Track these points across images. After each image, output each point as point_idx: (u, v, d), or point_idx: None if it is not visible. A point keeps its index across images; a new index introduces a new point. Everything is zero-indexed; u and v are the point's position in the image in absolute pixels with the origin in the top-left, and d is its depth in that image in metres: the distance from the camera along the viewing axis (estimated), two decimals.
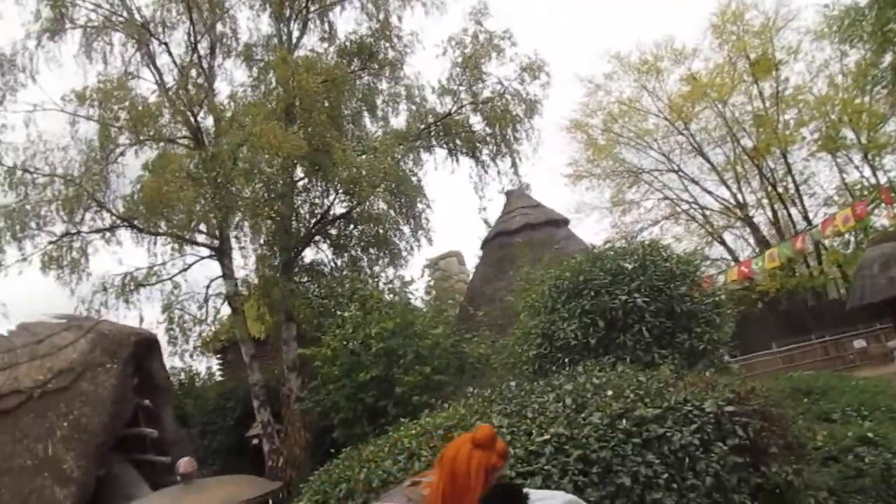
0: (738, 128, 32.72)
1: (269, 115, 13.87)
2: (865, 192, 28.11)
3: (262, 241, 15.55)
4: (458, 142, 17.09)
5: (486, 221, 17.91)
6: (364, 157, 14.33)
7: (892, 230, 20.51)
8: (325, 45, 17.37)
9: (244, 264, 15.86)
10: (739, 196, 33.85)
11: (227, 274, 15.34)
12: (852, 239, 29.06)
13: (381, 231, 16.57)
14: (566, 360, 6.75)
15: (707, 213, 34.78)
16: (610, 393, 4.07)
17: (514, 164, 17.23)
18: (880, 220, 28.84)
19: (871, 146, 28.14)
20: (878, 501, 5.26)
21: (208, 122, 15.98)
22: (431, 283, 18.19)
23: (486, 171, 16.77)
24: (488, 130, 17.00)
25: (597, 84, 34.65)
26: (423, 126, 16.76)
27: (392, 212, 16.67)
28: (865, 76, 19.53)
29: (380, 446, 4.39)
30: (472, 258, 22.12)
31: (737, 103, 32.92)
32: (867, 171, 30.28)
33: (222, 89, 17.83)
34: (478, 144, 16.95)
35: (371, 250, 17.23)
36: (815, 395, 8.12)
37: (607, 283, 6.97)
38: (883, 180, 28.95)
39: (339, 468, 4.50)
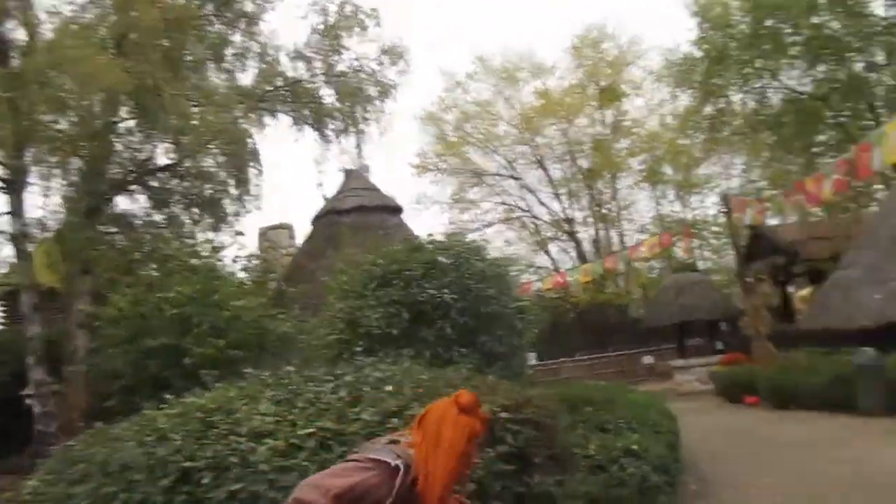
0: (577, 148, 34.72)
1: (95, 43, 12.45)
2: (673, 225, 31.07)
3: (68, 182, 13.96)
4: (305, 111, 16.42)
5: (324, 197, 17.54)
6: (199, 108, 13.29)
7: (689, 262, 22.80)
8: None
9: (44, 203, 14.14)
10: (569, 211, 36.00)
11: (16, 211, 13.59)
12: (657, 266, 31.95)
13: (207, 190, 15.53)
14: (367, 348, 6.63)
15: (538, 223, 36.60)
16: (389, 388, 3.96)
17: (358, 144, 16.92)
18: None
19: (685, 184, 31.03)
20: None
21: (21, 36, 14.05)
22: (256, 253, 17.37)
23: (328, 147, 16.34)
24: (338, 105, 16.55)
25: (457, 81, 35.22)
26: (270, 88, 15.93)
27: (222, 172, 15.68)
28: (688, 120, 21.49)
29: (131, 425, 3.95)
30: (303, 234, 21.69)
31: (580, 125, 34.94)
32: (678, 206, 33.40)
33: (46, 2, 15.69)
34: (325, 118, 16.42)
35: (194, 210, 16.13)
36: (598, 405, 8.66)
37: (419, 276, 6.93)
38: (689, 216, 32.23)
39: (83, 445, 4.01)
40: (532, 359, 30.16)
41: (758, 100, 19.15)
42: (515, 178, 36.00)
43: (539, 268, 34.96)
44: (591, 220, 35.96)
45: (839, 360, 12.59)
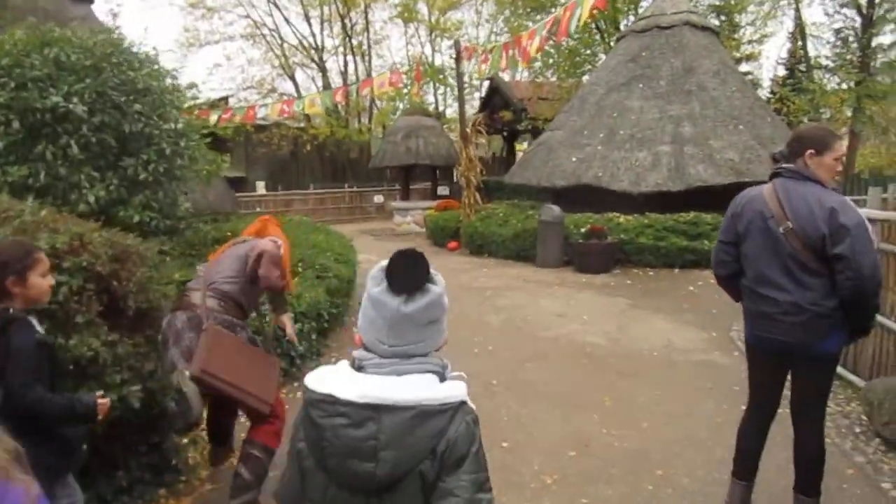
0: None
1: None
2: (425, 67, 30.77)
3: None
4: None
5: None
6: None
7: (421, 106, 22.80)
8: None
9: None
10: (320, 38, 33.79)
11: None
12: (401, 105, 31.85)
13: None
14: None
15: (285, 45, 33.93)
16: None
17: None
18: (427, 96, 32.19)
19: (436, 27, 30.55)
20: None
21: None
22: None
23: None
24: None
25: None
26: None
27: None
28: None
29: None
30: None
31: None
32: (429, 49, 33.05)
33: None
34: None
35: None
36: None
37: (42, 77, 5.47)
38: (439, 61, 32.14)
39: None
40: (261, 188, 29.28)
41: None
42: None
43: (283, 94, 32.89)
44: (342, 50, 34.29)
45: (530, 214, 13.60)
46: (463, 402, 1.47)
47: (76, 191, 5.37)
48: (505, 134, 26.50)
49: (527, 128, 22.43)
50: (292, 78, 34.05)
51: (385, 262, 1.51)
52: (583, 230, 11.85)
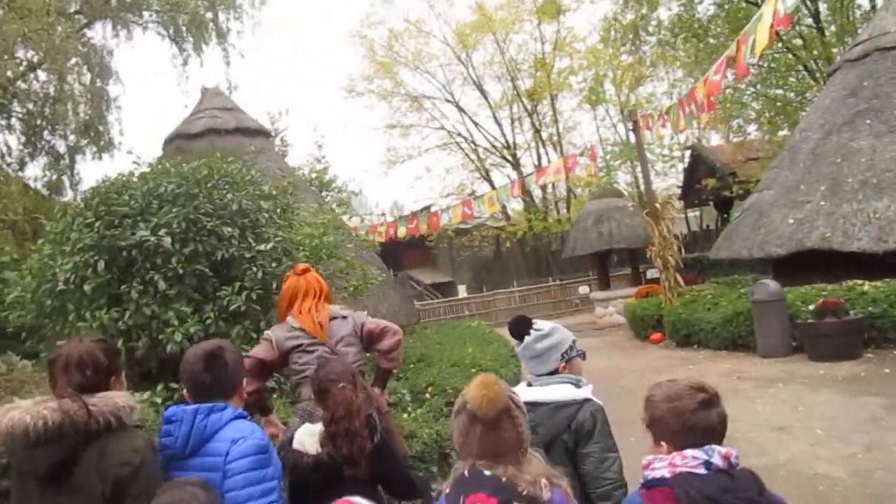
0: (517, 67, 32.60)
1: None
2: (618, 148, 29.44)
3: None
4: (150, 15, 14.13)
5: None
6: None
7: (610, 187, 21.30)
8: None
9: None
10: (510, 136, 34.17)
11: None
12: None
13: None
14: (55, 309, 5.01)
15: (480, 148, 34.77)
16: None
17: (226, 57, 14.84)
18: (624, 175, 30.59)
19: (626, 105, 29.25)
20: None
21: None
22: None
23: (185, 62, 14.23)
24: (200, 10, 14.28)
25: None
26: None
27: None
28: (608, 31, 19.48)
29: None
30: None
31: (519, 42, 32.71)
32: (622, 129, 31.68)
33: None
34: (182, 26, 14.22)
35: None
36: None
37: (134, 213, 5.24)
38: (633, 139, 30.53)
39: None
40: (462, 291, 29.25)
41: (685, 3, 17.16)
42: (452, 101, 33.89)
43: (471, 194, 33.40)
44: (533, 144, 34.28)
45: (743, 293, 11.37)
46: (587, 400, 2.53)
47: (167, 331, 4.90)
48: (712, 203, 23.89)
49: (737, 193, 19.83)
50: (488, 179, 34.52)
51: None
52: (812, 306, 9.44)
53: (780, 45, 16.69)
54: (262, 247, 5.41)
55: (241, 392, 2.43)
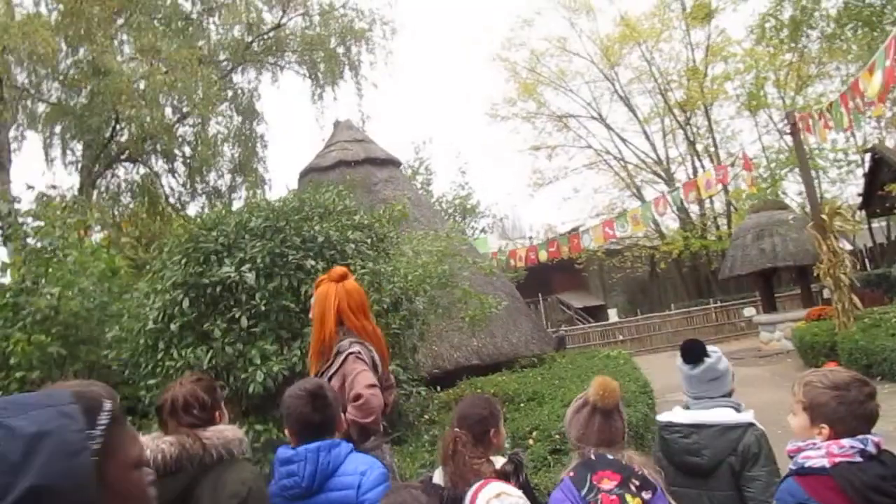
0: (667, 78, 30.95)
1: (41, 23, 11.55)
2: (783, 156, 26.85)
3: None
4: (288, 55, 14.84)
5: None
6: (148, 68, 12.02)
7: (772, 199, 19.22)
8: None
9: None
10: (663, 150, 32.40)
11: None
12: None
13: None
14: (149, 347, 5.05)
15: (629, 165, 33.30)
16: None
17: (359, 89, 15.24)
18: (793, 185, 27.77)
19: (792, 107, 26.58)
20: None
21: None
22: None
23: (321, 97, 14.77)
24: (332, 45, 14.81)
25: (524, 19, 32.27)
26: (250, 38, 14.44)
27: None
28: (763, 26, 17.56)
29: None
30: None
31: (668, 51, 31.05)
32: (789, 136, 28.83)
33: None
34: (318, 62, 14.77)
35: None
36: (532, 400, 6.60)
37: (221, 249, 5.20)
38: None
39: None
40: (613, 315, 27.83)
41: None
42: (598, 118, 32.79)
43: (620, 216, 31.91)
44: (688, 157, 32.22)
45: None
46: (751, 424, 2.54)
47: (247, 373, 4.77)
48: (895, 212, 20.87)
49: None
50: (640, 196, 32.89)
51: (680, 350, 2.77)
52: None
53: None
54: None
55: (342, 425, 2.54)
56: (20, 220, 7.26)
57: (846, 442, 1.83)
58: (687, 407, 2.73)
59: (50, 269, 6.55)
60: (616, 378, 7.52)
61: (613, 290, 33.64)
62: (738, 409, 2.64)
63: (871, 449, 1.83)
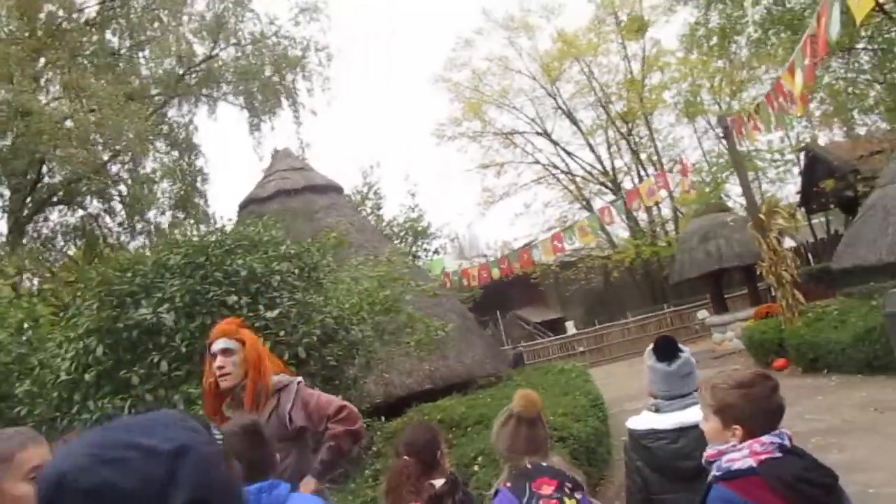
0: (607, 91, 31.53)
1: None
2: (723, 160, 27.46)
3: None
4: (223, 87, 14.60)
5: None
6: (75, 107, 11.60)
7: (714, 202, 19.63)
8: None
9: None
10: (608, 161, 32.89)
11: None
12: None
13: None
14: (58, 404, 4.71)
15: (577, 178, 33.69)
16: None
17: (296, 117, 15.05)
18: (735, 187, 28.40)
19: (728, 113, 27.30)
20: None
21: None
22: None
23: (258, 128, 14.53)
24: (268, 74, 14.60)
25: (465, 39, 32.56)
26: (182, 71, 14.12)
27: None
28: (693, 35, 18.07)
29: None
30: None
31: (607, 64, 31.68)
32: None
33: None
34: (254, 92, 14.54)
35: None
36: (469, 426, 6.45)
37: (138, 290, 4.93)
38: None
39: None
40: (570, 328, 27.92)
41: None
42: (543, 134, 33.16)
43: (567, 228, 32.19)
44: (633, 167, 32.79)
45: (874, 306, 9.74)
46: None
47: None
48: (835, 206, 21.51)
49: (862, 192, 17.65)
50: (589, 208, 33.23)
51: (651, 345, 2.73)
52: None
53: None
54: (269, 314, 4.92)
55: (276, 464, 2.41)
56: None
57: (766, 438, 1.82)
58: (657, 410, 2.66)
59: None
60: (567, 392, 7.43)
61: (571, 302, 33.76)
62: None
63: (787, 443, 1.83)
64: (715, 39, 16.66)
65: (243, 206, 12.78)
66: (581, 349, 25.75)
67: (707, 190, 26.02)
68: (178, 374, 4.73)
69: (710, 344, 18.70)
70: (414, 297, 9.15)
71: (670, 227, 31.13)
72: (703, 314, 24.11)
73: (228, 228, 6.00)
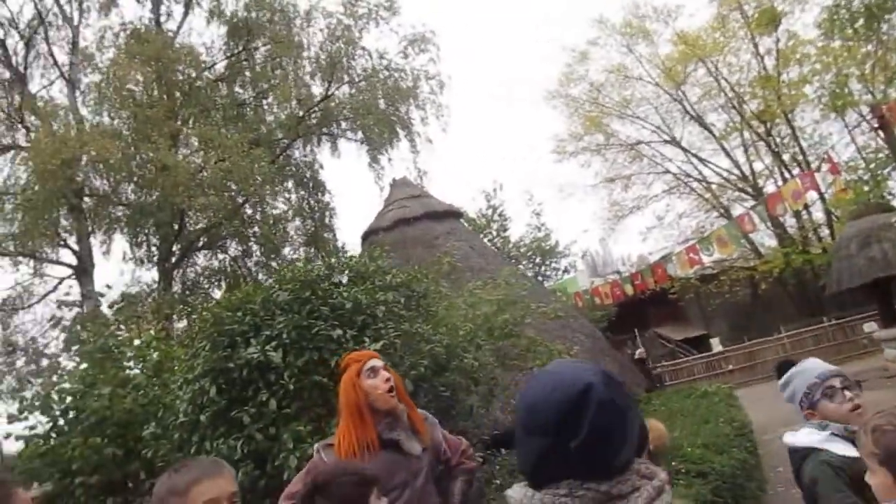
0: (739, 91, 29.62)
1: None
2: (882, 154, 24.83)
3: None
4: (342, 124, 15.06)
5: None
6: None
7: (874, 202, 17.56)
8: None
9: None
10: (746, 166, 30.77)
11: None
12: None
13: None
14: (178, 446, 4.77)
15: (713, 185, 31.79)
16: None
17: (413, 146, 15.22)
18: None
19: (883, 101, 24.68)
20: None
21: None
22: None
23: (376, 160, 14.81)
24: (382, 107, 14.91)
25: (580, 52, 31.87)
26: (302, 113, 14.73)
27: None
28: (834, 19, 16.29)
29: None
30: None
31: (736, 63, 29.80)
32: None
33: None
34: (370, 126, 14.87)
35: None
36: None
37: (248, 329, 4.93)
38: None
39: None
40: (716, 345, 26.06)
41: None
42: (672, 141, 31.64)
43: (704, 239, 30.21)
44: (775, 169, 30.44)
45: None
46: (815, 448, 2.16)
47: (277, 459, 4.40)
48: None
49: None
50: (728, 216, 31.17)
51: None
52: None
53: None
54: (374, 346, 4.74)
55: None
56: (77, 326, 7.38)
57: None
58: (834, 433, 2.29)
59: (104, 370, 6.50)
60: (708, 420, 6.69)
61: (714, 317, 31.64)
62: (820, 429, 2.34)
63: None
64: (861, 21, 14.99)
65: (365, 237, 12.99)
66: (729, 367, 24.00)
67: (866, 189, 23.58)
68: (287, 411, 4.65)
69: (880, 361, 16.66)
70: (539, 319, 8.78)
71: (824, 231, 28.48)
72: (869, 327, 21.68)
73: (343, 260, 5.94)
